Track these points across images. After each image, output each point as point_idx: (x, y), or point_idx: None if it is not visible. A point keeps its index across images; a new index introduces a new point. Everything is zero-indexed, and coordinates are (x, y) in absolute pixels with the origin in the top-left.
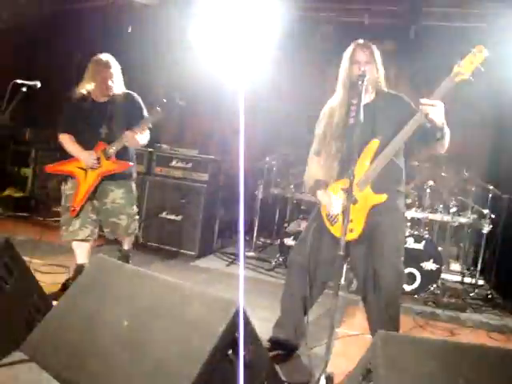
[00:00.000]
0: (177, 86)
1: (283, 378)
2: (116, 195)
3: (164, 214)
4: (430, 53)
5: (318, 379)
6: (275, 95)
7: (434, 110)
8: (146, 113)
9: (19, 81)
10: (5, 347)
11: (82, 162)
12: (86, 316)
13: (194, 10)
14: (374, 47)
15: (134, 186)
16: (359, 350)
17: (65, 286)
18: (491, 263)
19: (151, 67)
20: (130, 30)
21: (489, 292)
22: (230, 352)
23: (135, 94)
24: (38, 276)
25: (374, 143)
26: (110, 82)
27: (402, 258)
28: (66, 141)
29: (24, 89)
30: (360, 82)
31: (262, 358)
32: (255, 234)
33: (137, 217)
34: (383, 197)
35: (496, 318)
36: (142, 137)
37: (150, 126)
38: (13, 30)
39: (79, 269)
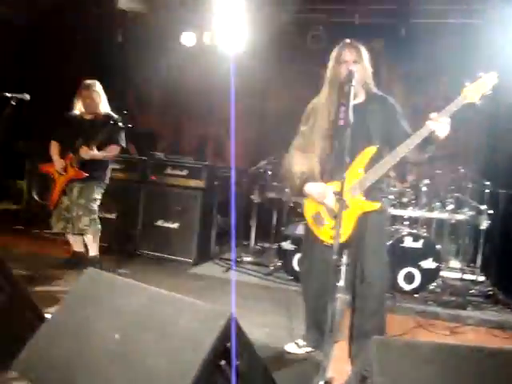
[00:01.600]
0: (171, 92)
1: None
2: (76, 190)
3: (160, 222)
4: (420, 51)
5: None
6: (268, 98)
7: (442, 127)
8: (119, 137)
9: (8, 94)
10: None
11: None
12: (77, 330)
13: (186, 15)
14: (362, 47)
15: (97, 188)
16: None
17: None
18: (491, 259)
19: (145, 73)
20: (120, 40)
21: (489, 288)
22: (223, 363)
23: (113, 115)
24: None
25: (371, 150)
26: (88, 102)
27: (387, 258)
28: (52, 147)
29: (13, 102)
30: (348, 82)
31: (256, 366)
32: (253, 239)
33: (93, 215)
34: (376, 205)
35: (497, 314)
36: (107, 151)
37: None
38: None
39: (75, 255)
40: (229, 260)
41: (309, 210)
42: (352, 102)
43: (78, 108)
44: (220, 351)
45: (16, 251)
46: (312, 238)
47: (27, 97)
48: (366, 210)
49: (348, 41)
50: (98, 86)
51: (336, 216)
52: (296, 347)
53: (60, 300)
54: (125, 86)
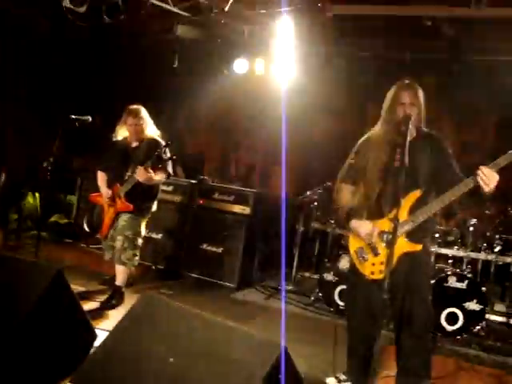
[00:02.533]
0: (219, 116)
1: None
2: (121, 219)
3: (205, 246)
4: (472, 89)
5: None
6: (315, 128)
7: (490, 182)
8: (167, 163)
9: (73, 116)
10: (55, 377)
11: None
12: (132, 351)
13: (239, 42)
14: (419, 88)
15: (143, 221)
16: None
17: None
18: None
19: (197, 99)
20: (175, 65)
21: None
22: None
23: (159, 141)
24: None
25: (415, 194)
26: (135, 129)
27: (431, 297)
28: (99, 177)
29: (77, 123)
30: (405, 125)
31: None
32: (294, 268)
33: (137, 250)
34: (418, 247)
35: None
36: (158, 175)
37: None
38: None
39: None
40: (270, 288)
41: (353, 244)
42: (407, 144)
43: (121, 134)
44: (272, 382)
45: (64, 264)
46: (356, 272)
47: (90, 119)
48: (406, 250)
49: (406, 81)
50: (143, 112)
51: (377, 254)
52: (337, 382)
53: (105, 316)
54: (176, 111)
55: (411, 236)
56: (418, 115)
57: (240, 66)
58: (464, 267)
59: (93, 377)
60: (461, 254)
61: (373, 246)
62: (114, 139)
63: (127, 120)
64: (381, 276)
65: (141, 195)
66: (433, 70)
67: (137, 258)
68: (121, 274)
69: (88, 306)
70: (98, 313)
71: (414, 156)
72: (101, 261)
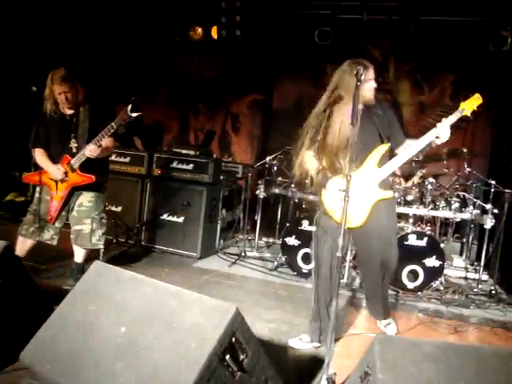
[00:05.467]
0: (176, 84)
1: (284, 380)
2: (84, 198)
3: (165, 216)
4: (428, 48)
5: (320, 380)
6: (274, 94)
7: (446, 134)
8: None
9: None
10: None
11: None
12: (83, 323)
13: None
14: (371, 65)
15: (103, 195)
16: (362, 349)
17: None
18: (494, 258)
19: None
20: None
21: (492, 287)
22: (228, 357)
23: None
24: (38, 280)
25: (383, 147)
26: (69, 96)
27: (396, 239)
28: (37, 155)
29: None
30: (357, 82)
31: (260, 361)
32: (257, 234)
33: (103, 227)
34: (390, 193)
35: (500, 313)
36: (108, 143)
37: (120, 129)
38: None
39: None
40: (233, 255)
41: (326, 197)
42: (360, 105)
43: (51, 104)
44: (225, 346)
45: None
46: (324, 226)
47: (35, 89)
48: (381, 197)
49: (361, 61)
50: (69, 75)
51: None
52: (300, 342)
53: (65, 293)
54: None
55: (383, 186)
56: (372, 88)
57: (195, 32)
58: (424, 225)
59: (42, 352)
60: (420, 212)
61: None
62: (45, 110)
63: (54, 88)
64: (357, 223)
65: (96, 167)
66: (389, 31)
67: (104, 235)
68: (84, 253)
69: (48, 284)
70: (59, 291)
71: (370, 118)
72: (62, 238)
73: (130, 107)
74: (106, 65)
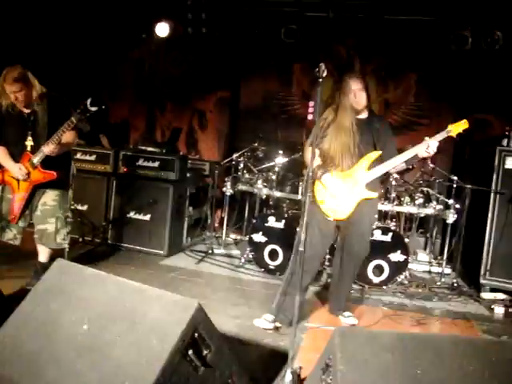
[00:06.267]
0: (142, 81)
1: (249, 375)
2: (48, 197)
3: (132, 214)
4: (392, 47)
5: (284, 373)
6: (241, 91)
7: (431, 151)
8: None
9: None
10: None
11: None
12: (45, 322)
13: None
14: (364, 78)
15: (68, 193)
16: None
17: None
18: (456, 252)
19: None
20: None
21: (454, 280)
22: (191, 352)
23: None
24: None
25: (375, 153)
26: (24, 94)
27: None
28: None
29: None
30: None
31: (224, 356)
32: (224, 231)
33: (68, 226)
34: (375, 194)
35: (461, 305)
36: (68, 138)
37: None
38: None
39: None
40: (200, 252)
41: (318, 190)
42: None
43: (5, 103)
44: (188, 341)
45: None
46: (314, 214)
47: None
48: (366, 197)
49: (354, 74)
50: (24, 73)
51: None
52: (265, 322)
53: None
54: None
55: (370, 187)
56: (366, 99)
57: (161, 29)
58: (389, 221)
59: (2, 352)
60: (384, 207)
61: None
62: (0, 108)
63: (6, 88)
64: (342, 217)
65: (58, 164)
66: (354, 29)
67: (69, 234)
68: (48, 252)
69: (11, 284)
70: (23, 291)
71: (369, 129)
72: (26, 237)
73: (89, 101)
74: (71, 61)
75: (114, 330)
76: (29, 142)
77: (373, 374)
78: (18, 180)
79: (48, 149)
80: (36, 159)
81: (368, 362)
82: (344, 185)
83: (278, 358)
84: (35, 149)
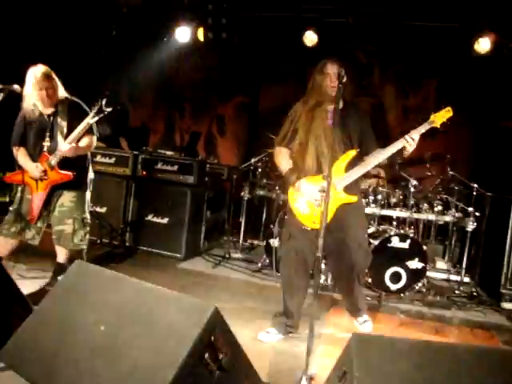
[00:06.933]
0: (162, 85)
1: (264, 380)
2: (65, 198)
3: (150, 217)
4: (412, 53)
5: (300, 380)
6: (260, 96)
7: (412, 146)
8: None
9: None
10: None
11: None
12: (63, 322)
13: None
14: (342, 64)
15: (87, 193)
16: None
17: None
18: (476, 260)
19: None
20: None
21: (473, 289)
22: (207, 355)
23: (79, 103)
24: (20, 281)
25: (352, 152)
26: (49, 93)
27: (368, 240)
28: (19, 154)
29: (3, 93)
30: (339, 86)
31: (240, 360)
32: (242, 236)
33: (86, 227)
34: (355, 198)
35: (480, 315)
36: (83, 142)
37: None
38: None
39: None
40: (218, 256)
41: (293, 199)
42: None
43: (29, 101)
44: (204, 344)
45: None
46: (294, 223)
47: (18, 88)
48: (345, 202)
49: (331, 57)
50: (52, 72)
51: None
52: (267, 335)
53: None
54: (118, 83)
55: (348, 190)
56: (343, 85)
57: (182, 33)
58: (407, 228)
59: (21, 351)
60: (403, 214)
61: (314, 200)
62: (22, 109)
63: (38, 84)
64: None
65: (75, 165)
66: (374, 36)
67: (87, 236)
68: (66, 253)
69: (33, 285)
70: (41, 292)
71: (344, 121)
72: (45, 238)
73: (104, 101)
74: (93, 65)
75: (130, 332)
76: (46, 143)
77: (389, 380)
78: (36, 180)
79: (65, 149)
80: (54, 160)
81: (384, 370)
82: (318, 191)
83: (292, 365)
84: (53, 150)
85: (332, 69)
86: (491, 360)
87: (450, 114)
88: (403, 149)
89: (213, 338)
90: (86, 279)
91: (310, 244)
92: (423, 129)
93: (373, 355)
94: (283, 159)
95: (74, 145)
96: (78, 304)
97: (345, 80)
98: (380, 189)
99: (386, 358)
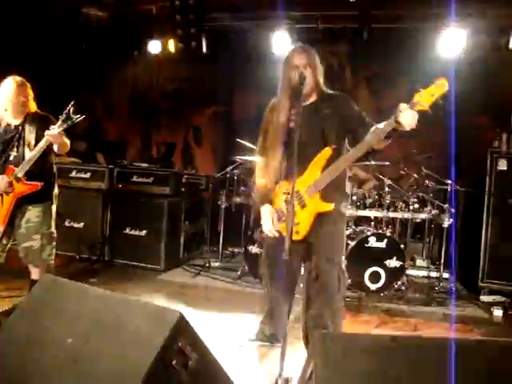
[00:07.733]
0: (137, 98)
1: None
2: (31, 214)
3: (128, 230)
4: (383, 54)
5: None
6: (234, 104)
7: (410, 119)
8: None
9: None
10: None
11: None
12: (30, 336)
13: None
14: (312, 50)
15: (53, 207)
16: None
17: None
18: (454, 256)
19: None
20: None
21: (453, 285)
22: (174, 362)
23: (48, 116)
24: None
25: (326, 152)
26: (22, 102)
27: (343, 258)
28: None
29: None
30: (300, 86)
31: (210, 365)
32: (221, 244)
33: (53, 242)
34: (330, 206)
35: (459, 309)
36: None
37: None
38: None
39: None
40: (197, 266)
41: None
42: (302, 104)
43: (1, 112)
44: (171, 350)
45: None
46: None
47: None
48: (320, 210)
49: (298, 45)
50: (24, 82)
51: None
52: (247, 342)
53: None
54: (93, 98)
55: (326, 196)
56: (314, 75)
57: (154, 46)
58: (384, 227)
59: None
60: (379, 214)
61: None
62: None
63: (13, 93)
64: (298, 237)
65: (42, 176)
66: (345, 39)
67: (54, 250)
68: (39, 270)
69: (5, 303)
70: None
71: (318, 116)
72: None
73: (71, 109)
74: (64, 81)
75: (98, 342)
76: (13, 153)
77: (351, 377)
78: (1, 195)
79: (30, 155)
80: (20, 172)
81: (347, 366)
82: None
83: (270, 369)
84: (18, 162)
85: (300, 60)
86: (458, 352)
87: (444, 89)
88: (399, 124)
89: (180, 343)
90: (52, 293)
91: (294, 256)
92: (389, 128)
93: (336, 353)
94: (258, 176)
95: (39, 152)
96: (45, 318)
97: (306, 82)
98: (355, 190)
99: (349, 355)
